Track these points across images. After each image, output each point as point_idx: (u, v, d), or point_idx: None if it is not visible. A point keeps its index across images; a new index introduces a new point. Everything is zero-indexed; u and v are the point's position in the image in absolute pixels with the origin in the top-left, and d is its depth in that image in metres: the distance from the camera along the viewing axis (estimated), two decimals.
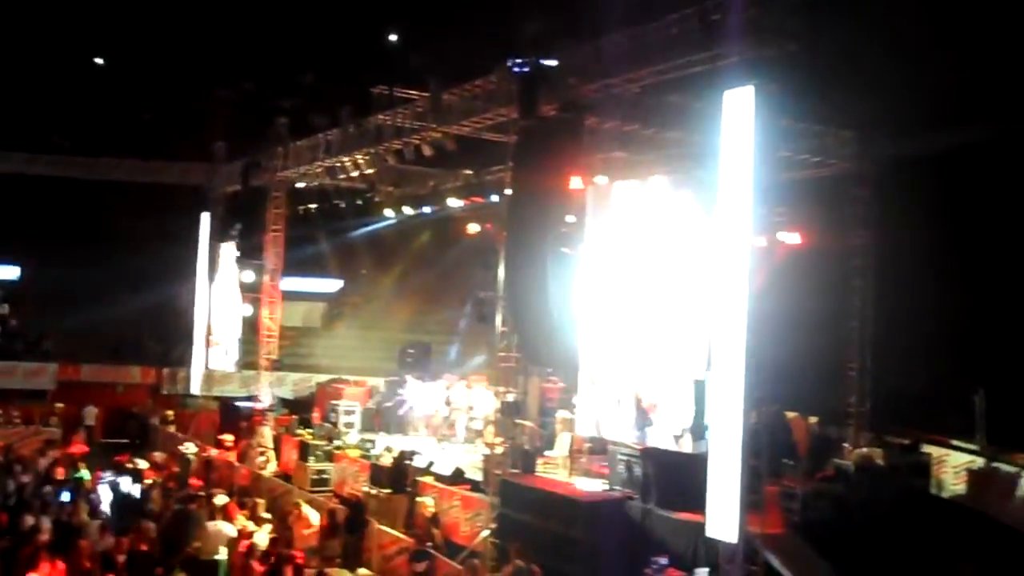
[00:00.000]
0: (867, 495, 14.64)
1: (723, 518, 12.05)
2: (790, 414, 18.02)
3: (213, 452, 22.25)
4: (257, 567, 13.09)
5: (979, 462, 17.40)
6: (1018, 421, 17.49)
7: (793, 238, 17.71)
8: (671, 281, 14.43)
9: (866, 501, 14.40)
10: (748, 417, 12.09)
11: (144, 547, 13.19)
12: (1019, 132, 15.84)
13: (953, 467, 17.80)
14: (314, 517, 15.96)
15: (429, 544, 15.42)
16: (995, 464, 17.05)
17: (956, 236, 16.98)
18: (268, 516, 15.64)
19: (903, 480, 16.01)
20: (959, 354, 17.18)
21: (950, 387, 17.85)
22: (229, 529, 14.11)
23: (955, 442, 18.17)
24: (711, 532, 12.23)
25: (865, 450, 17.15)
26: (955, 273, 16.94)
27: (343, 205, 26.69)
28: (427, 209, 25.57)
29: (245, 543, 13.77)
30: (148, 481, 17.99)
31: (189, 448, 21.61)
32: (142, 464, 19.02)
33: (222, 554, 13.65)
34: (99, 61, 34.53)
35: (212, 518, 14.60)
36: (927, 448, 17.57)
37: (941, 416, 18.32)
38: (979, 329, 17.25)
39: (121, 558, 12.79)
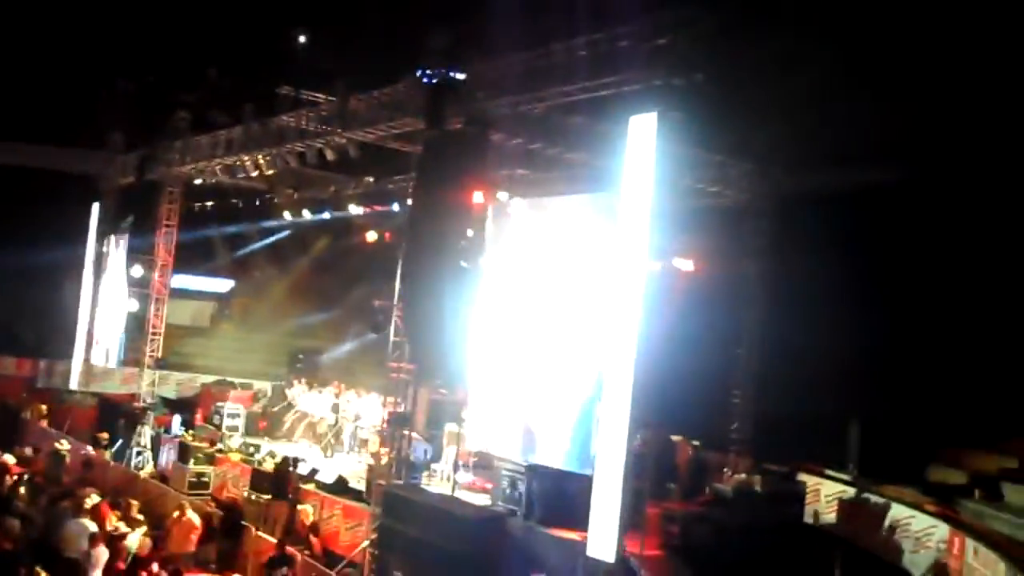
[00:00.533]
0: (744, 521, 14.96)
1: (604, 538, 12.16)
2: (675, 437, 18.37)
3: (89, 449, 21.58)
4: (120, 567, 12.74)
5: (851, 492, 17.98)
6: (888, 453, 18.20)
7: (688, 265, 18.04)
8: (566, 301, 14.53)
9: (743, 527, 14.72)
10: (633, 438, 12.26)
11: (7, 545, 12.67)
12: (915, 174, 16.45)
13: (826, 496, 18.36)
14: (197, 521, 15.58)
15: (307, 552, 15.21)
16: (865, 495, 17.65)
17: (844, 272, 17.50)
18: (141, 518, 15.23)
19: (779, 507, 16.43)
20: (838, 386, 17.71)
21: (827, 418, 18.42)
22: (93, 528, 13.66)
23: (829, 472, 18.77)
24: (591, 551, 12.32)
25: (744, 476, 17.57)
26: (840, 308, 17.44)
27: (240, 205, 26.27)
28: (326, 215, 25.32)
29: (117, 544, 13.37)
30: (14, 477, 17.30)
31: (63, 444, 20.90)
32: (8, 459, 18.31)
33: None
34: None
35: (77, 516, 14.13)
36: (803, 476, 18.09)
37: (817, 446, 18.90)
38: (857, 363, 17.82)
39: None
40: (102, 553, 12.92)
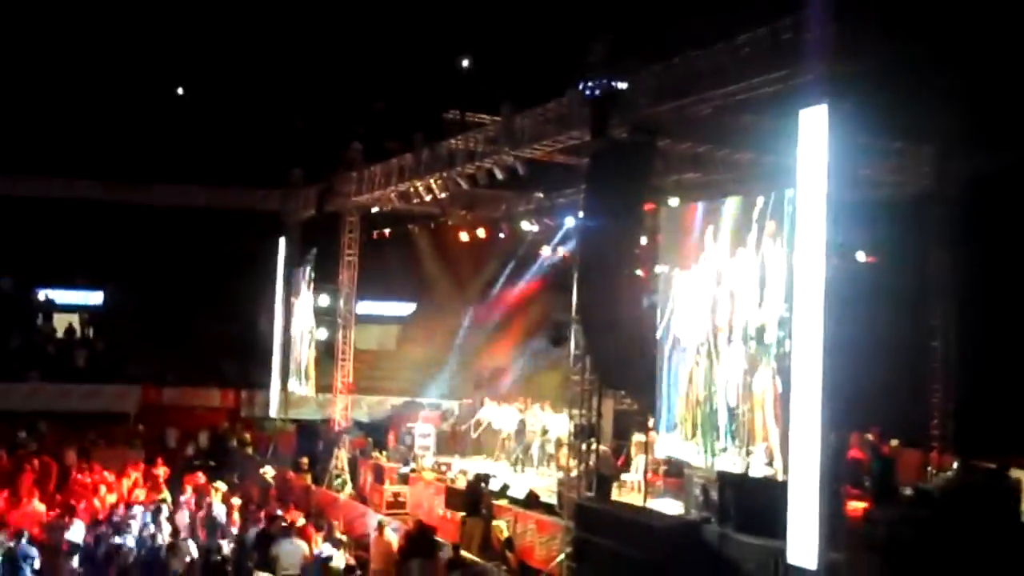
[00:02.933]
0: (955, 520, 14.24)
1: (804, 544, 11.83)
2: (869, 436, 17.70)
3: (291, 474, 22.55)
4: None
5: None
6: None
7: (872, 258, 17.40)
8: (748, 304, 14.25)
9: (954, 527, 14.02)
10: (828, 440, 11.87)
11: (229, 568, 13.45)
12: None
13: None
14: (395, 540, 16.05)
15: (504, 567, 15.42)
16: None
17: None
18: (344, 539, 15.80)
19: (992, 505, 15.55)
20: None
21: None
22: (305, 548, 14.28)
23: None
24: (792, 558, 12.00)
25: (950, 474, 16.75)
26: None
27: (416, 229, 26.96)
28: (500, 235, 25.63)
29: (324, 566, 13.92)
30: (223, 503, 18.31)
31: (267, 471, 21.93)
32: (222, 486, 19.37)
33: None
34: (180, 91, 35.45)
35: (289, 536, 14.81)
36: (1014, 472, 17.06)
37: None
38: None
39: None
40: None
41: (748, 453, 14.29)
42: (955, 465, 17.16)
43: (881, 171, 17.65)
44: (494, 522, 17.26)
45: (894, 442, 18.12)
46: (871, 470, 17.11)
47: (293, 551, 14.36)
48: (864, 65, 12.12)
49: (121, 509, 17.77)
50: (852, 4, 12.13)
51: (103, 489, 19.99)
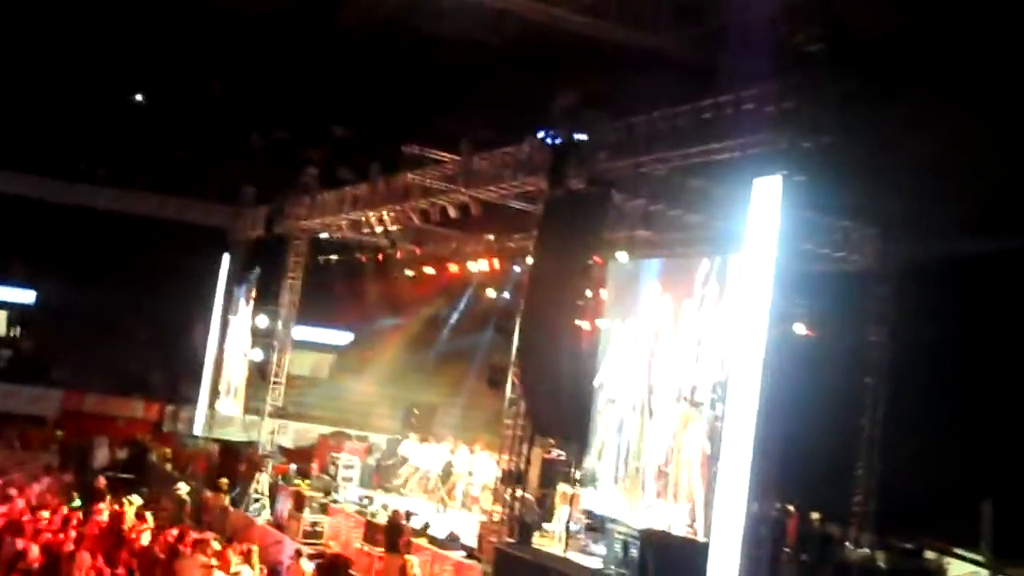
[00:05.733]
0: None
1: None
2: (790, 507, 17.85)
3: (208, 494, 22.12)
4: None
5: (983, 574, 17.11)
6: None
7: (807, 330, 17.64)
8: (685, 365, 14.37)
9: None
10: (752, 506, 11.96)
11: None
12: None
13: None
14: (309, 570, 15.79)
15: None
16: None
17: (974, 342, 16.91)
18: (260, 566, 15.51)
19: None
20: (969, 461, 17.00)
21: (958, 494, 17.63)
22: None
23: (959, 551, 17.90)
24: None
25: (867, 551, 16.94)
26: (971, 378, 16.83)
27: (363, 259, 26.83)
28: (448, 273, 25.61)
29: None
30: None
31: (182, 488, 21.51)
32: (136, 499, 18.94)
33: None
34: (139, 97, 35.14)
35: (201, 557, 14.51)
36: (930, 554, 17.31)
37: (946, 523, 18.07)
38: (991, 437, 17.09)
39: None
40: None
41: (670, 511, 14.34)
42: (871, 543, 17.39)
43: (826, 246, 17.98)
44: (407, 557, 17.04)
45: (815, 515, 18.28)
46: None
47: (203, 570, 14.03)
48: (820, 143, 12.40)
49: (28, 515, 17.26)
50: (814, 82, 12.43)
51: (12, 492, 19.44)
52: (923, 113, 15.21)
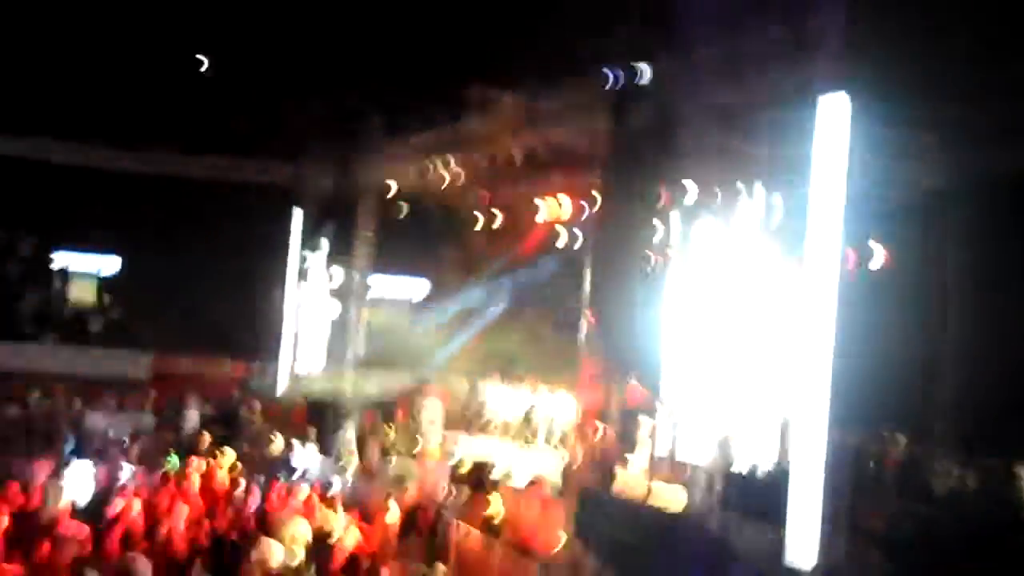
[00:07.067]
0: (958, 519, 14.29)
1: (802, 542, 11.88)
2: (882, 432, 17.70)
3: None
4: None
5: None
6: None
7: (885, 254, 17.34)
8: (761, 304, 14.29)
9: (957, 526, 14.07)
10: (833, 434, 11.92)
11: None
12: None
13: None
14: (397, 514, 16.19)
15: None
16: None
17: None
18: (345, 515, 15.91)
19: (997, 505, 15.58)
20: None
21: None
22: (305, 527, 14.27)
23: None
24: (790, 557, 12.05)
25: (957, 472, 16.75)
26: None
27: (433, 207, 26.96)
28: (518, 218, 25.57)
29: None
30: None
31: (279, 440, 22.08)
32: (231, 454, 19.52)
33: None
34: (203, 60, 35.42)
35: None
36: (1021, 471, 17.04)
37: None
38: None
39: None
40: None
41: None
42: (960, 463, 17.19)
43: (899, 166, 17.56)
44: (491, 499, 17.29)
45: (902, 438, 18.12)
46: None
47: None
48: (886, 55, 12.08)
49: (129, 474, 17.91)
50: None
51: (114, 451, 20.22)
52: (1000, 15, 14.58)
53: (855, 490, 12.39)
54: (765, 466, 14.01)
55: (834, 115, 12.16)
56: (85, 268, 34.95)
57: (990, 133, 16.78)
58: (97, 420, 24.23)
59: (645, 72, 15.45)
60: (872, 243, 16.57)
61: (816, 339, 12.13)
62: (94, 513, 14.44)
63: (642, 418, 18.80)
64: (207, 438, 21.40)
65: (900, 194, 18.10)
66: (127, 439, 21.84)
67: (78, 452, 20.13)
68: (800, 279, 12.72)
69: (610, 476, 16.30)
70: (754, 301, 14.39)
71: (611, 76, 15.88)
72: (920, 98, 15.70)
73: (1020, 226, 17.23)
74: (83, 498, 15.41)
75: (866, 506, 13.46)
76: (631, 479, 17.36)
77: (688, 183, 17.82)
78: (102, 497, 15.39)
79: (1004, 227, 17.36)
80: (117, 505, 14.46)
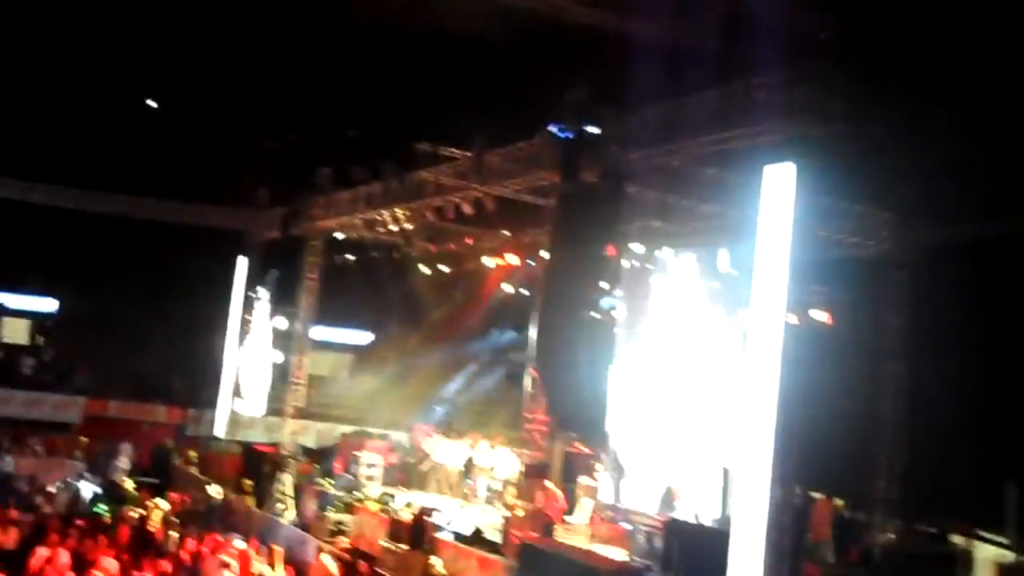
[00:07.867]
0: None
1: None
2: (816, 495, 17.81)
3: (232, 496, 22.24)
4: None
5: (1009, 557, 17.05)
6: None
7: (824, 317, 17.59)
8: (703, 354, 14.38)
9: None
10: (774, 494, 11.96)
11: None
12: None
13: (982, 560, 17.45)
14: (334, 569, 15.86)
15: None
16: None
17: (995, 324, 16.80)
18: (285, 566, 15.57)
19: (931, 571, 15.72)
20: (993, 444, 16.91)
21: (982, 477, 17.56)
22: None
23: (984, 534, 17.84)
24: None
25: (892, 537, 16.90)
26: (992, 361, 16.73)
27: (378, 258, 26.90)
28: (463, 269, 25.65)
29: None
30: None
31: (213, 490, 21.63)
32: (162, 503, 19.05)
33: None
34: (152, 103, 35.19)
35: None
36: (955, 538, 17.25)
37: (971, 506, 18.01)
38: (1013, 420, 17.00)
39: None
40: None
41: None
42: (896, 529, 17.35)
43: (841, 232, 17.93)
44: (431, 558, 17.11)
45: (839, 502, 18.24)
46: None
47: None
48: (831, 129, 12.38)
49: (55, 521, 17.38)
50: (826, 70, 12.40)
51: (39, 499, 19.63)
52: (936, 97, 15.09)
53: (794, 551, 12.44)
54: (707, 521, 14.00)
55: (780, 183, 12.37)
56: (19, 307, 34.18)
57: (932, 207, 17.25)
58: (15, 464, 23.65)
59: (593, 130, 15.63)
60: (814, 307, 16.83)
61: (761, 395, 12.21)
62: (16, 562, 13.98)
63: (582, 475, 18.76)
64: (139, 486, 20.92)
65: (842, 258, 18.46)
66: (54, 487, 21.23)
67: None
68: (744, 337, 12.83)
69: (550, 531, 16.18)
70: (699, 358, 14.48)
71: (561, 132, 16.03)
72: (862, 171, 16.14)
73: (957, 294, 17.62)
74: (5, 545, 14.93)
75: (803, 567, 13.51)
76: (572, 534, 17.25)
77: (634, 241, 18.05)
78: (25, 546, 14.90)
79: (942, 294, 17.73)
80: (42, 554, 13.99)
